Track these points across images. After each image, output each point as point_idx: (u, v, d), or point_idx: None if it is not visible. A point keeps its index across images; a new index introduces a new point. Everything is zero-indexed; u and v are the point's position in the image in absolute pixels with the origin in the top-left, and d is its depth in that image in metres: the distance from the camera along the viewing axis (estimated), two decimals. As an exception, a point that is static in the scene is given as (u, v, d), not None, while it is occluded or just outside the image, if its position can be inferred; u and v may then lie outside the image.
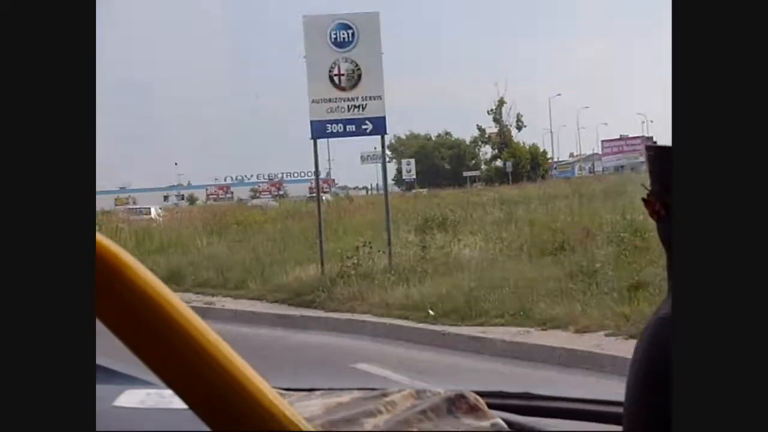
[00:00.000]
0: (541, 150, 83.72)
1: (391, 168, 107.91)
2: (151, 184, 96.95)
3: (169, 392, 0.74)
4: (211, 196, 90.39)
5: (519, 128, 79.87)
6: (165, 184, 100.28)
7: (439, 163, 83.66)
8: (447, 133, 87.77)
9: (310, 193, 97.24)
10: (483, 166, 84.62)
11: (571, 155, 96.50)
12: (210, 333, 0.70)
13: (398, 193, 60.49)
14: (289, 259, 14.33)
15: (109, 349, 1.02)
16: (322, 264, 12.59)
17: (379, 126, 12.91)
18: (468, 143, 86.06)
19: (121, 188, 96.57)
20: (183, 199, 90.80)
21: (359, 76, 12.71)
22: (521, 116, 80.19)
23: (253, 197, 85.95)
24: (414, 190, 63.55)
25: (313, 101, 12.68)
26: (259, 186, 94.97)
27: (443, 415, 1.34)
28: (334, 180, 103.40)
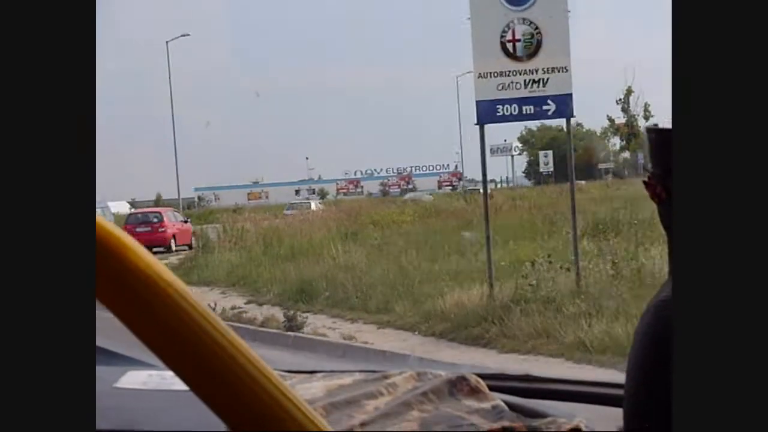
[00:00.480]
0: None
1: (520, 161, 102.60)
2: (283, 179, 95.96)
3: (170, 374, 0.74)
4: (341, 191, 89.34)
5: (646, 118, 77.58)
6: (296, 178, 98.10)
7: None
8: (578, 125, 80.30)
9: (440, 187, 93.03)
10: (611, 158, 79.68)
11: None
12: (211, 314, 0.71)
13: (528, 187, 56.92)
14: (442, 274, 12.04)
15: (111, 331, 0.99)
16: (491, 285, 9.95)
17: (563, 106, 10.01)
18: (598, 134, 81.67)
19: (253, 182, 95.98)
20: (314, 193, 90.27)
21: (539, 42, 9.86)
22: (649, 106, 77.92)
23: (383, 192, 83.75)
24: (544, 184, 59.37)
25: (479, 76, 10.00)
26: (389, 180, 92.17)
27: (444, 397, 1.34)
28: (461, 173, 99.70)
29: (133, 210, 34.39)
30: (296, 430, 0.70)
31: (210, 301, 13.21)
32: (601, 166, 71.84)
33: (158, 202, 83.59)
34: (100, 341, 1.07)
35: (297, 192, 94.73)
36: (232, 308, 12.50)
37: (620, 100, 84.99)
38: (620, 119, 77.35)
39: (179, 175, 49.41)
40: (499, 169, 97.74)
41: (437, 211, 24.50)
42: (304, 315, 11.10)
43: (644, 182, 1.09)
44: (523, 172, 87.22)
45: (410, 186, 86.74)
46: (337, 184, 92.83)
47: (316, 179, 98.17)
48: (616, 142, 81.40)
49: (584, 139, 78.02)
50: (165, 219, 27.58)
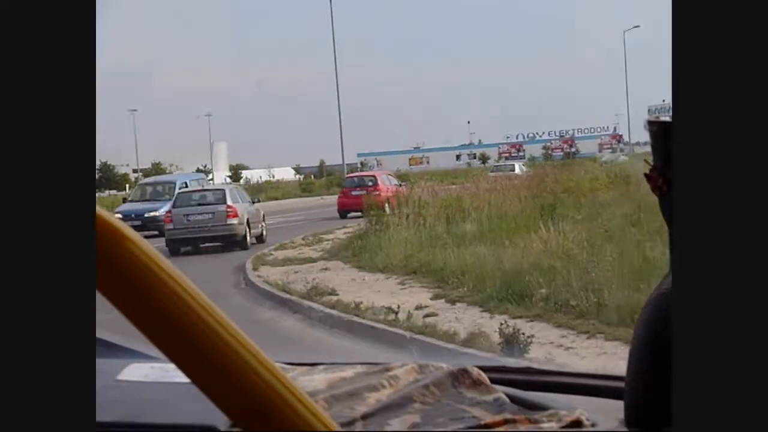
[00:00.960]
0: None
1: None
2: (444, 143, 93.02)
3: (172, 366, 0.74)
4: (503, 155, 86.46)
5: None
6: (457, 142, 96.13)
7: None
8: None
9: (599, 150, 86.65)
10: None
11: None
12: (212, 306, 0.71)
13: None
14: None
15: (113, 323, 1.00)
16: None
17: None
18: None
19: (415, 148, 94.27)
20: (475, 158, 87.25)
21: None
22: None
23: (545, 156, 79.36)
24: None
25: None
26: (552, 143, 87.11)
27: (446, 390, 1.34)
28: (622, 136, 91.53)
29: (349, 173, 33.51)
30: (298, 422, 0.71)
31: (387, 294, 10.30)
32: None
33: (321, 168, 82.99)
34: (102, 334, 1.11)
35: (458, 157, 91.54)
36: (418, 308, 9.58)
37: None
38: None
39: (343, 140, 47.45)
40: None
41: (631, 176, 20.57)
42: (516, 322, 8.08)
43: (645, 175, 1.09)
44: None
45: (573, 149, 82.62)
46: (499, 148, 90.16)
47: (476, 144, 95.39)
48: None
49: None
50: (379, 182, 27.34)
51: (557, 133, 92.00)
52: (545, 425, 1.23)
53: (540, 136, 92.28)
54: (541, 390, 1.40)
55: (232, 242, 18.51)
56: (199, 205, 19.02)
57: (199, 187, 22.33)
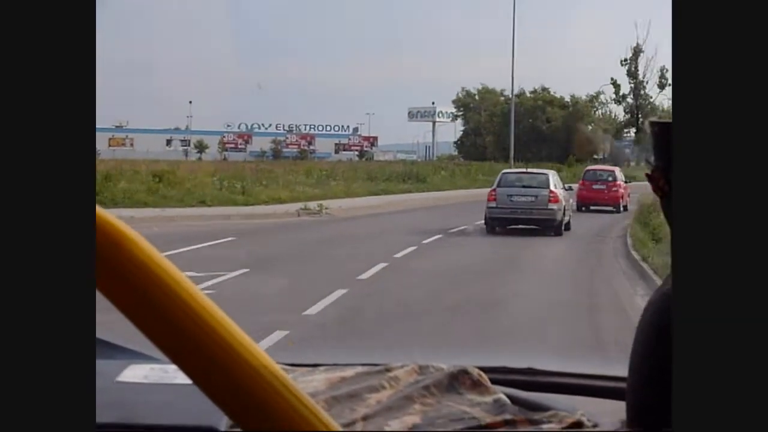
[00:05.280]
0: None
1: (448, 129, 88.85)
2: (152, 125, 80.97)
3: (172, 367, 0.73)
4: (227, 145, 77.76)
5: (662, 86, 61.17)
6: (170, 125, 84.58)
7: (540, 127, 64.32)
8: (544, 89, 68.22)
9: (337, 151, 79.26)
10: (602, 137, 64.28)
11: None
12: (213, 306, 0.70)
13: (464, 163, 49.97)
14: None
15: (113, 324, 0.98)
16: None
17: None
18: (585, 101, 66.55)
19: (117, 127, 79.53)
20: (188, 145, 77.16)
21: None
22: (666, 71, 60.53)
23: (275, 151, 73.16)
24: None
25: None
26: (286, 138, 79.96)
27: (446, 391, 1.33)
28: (377, 138, 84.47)
29: (590, 167, 32.01)
30: (299, 422, 0.70)
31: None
32: (622, 144, 61.86)
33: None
34: (101, 334, 1.07)
35: (168, 142, 79.70)
36: None
37: (625, 60, 68.68)
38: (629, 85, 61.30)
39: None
40: (418, 137, 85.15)
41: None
42: None
43: (647, 175, 1.09)
44: (455, 143, 76.64)
45: (312, 147, 76.20)
46: (223, 137, 79.53)
47: (190, 129, 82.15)
48: (615, 111, 66.92)
49: (565, 107, 65.58)
50: (618, 178, 26.60)
51: (286, 127, 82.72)
52: (545, 426, 1.23)
53: (266, 129, 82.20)
54: (542, 391, 1.40)
55: (549, 227, 18.64)
56: (523, 187, 19.19)
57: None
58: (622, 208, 24.47)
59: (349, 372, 1.43)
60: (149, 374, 1.49)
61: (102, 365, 0.94)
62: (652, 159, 1.10)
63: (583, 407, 1.26)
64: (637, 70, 61.59)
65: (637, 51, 61.28)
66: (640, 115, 61.52)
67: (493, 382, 1.36)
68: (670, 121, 0.98)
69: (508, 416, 1.26)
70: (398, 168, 40.00)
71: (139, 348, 1.58)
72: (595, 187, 26.02)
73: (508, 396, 1.32)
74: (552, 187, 19.16)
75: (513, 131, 43.15)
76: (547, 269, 14.10)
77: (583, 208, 25.42)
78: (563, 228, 18.91)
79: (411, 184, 34.91)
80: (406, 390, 1.34)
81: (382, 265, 12.80)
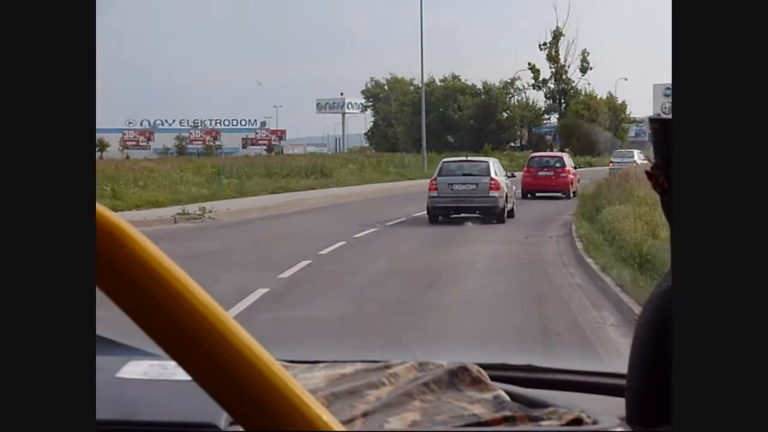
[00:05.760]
0: (620, 102, 60.72)
1: (359, 121, 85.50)
2: None
3: (172, 363, 0.76)
4: (128, 143, 74.52)
5: (584, 70, 59.95)
6: None
7: (452, 116, 61.94)
8: (455, 77, 65.28)
9: (244, 146, 77.69)
10: (520, 124, 62.27)
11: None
12: (213, 304, 0.72)
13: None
14: None
15: (112, 320, 1.02)
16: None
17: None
18: (500, 87, 63.19)
19: None
20: None
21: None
22: (587, 54, 59.48)
23: (179, 148, 70.12)
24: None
25: None
26: (190, 134, 76.59)
27: (445, 388, 1.36)
28: (285, 131, 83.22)
29: (535, 153, 32.18)
30: (299, 419, 0.72)
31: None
32: (541, 130, 59.38)
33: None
34: (100, 331, 1.06)
35: None
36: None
37: (544, 44, 66.78)
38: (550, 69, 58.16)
39: None
40: (327, 129, 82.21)
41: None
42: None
43: (647, 172, 1.10)
44: (366, 134, 74.57)
45: (218, 143, 73.02)
46: (123, 134, 76.02)
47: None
48: (534, 98, 63.59)
49: (477, 95, 62.48)
50: (567, 164, 27.15)
51: (190, 123, 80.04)
52: (545, 423, 1.26)
53: (170, 125, 79.55)
54: (542, 387, 1.42)
55: (491, 215, 19.04)
56: (464, 175, 19.61)
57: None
58: (571, 194, 24.68)
59: (349, 369, 1.45)
60: (148, 371, 1.48)
61: (101, 361, 0.93)
62: (652, 156, 1.11)
63: (582, 404, 1.29)
64: (558, 54, 59.16)
65: (557, 34, 59.23)
66: (563, 100, 59.14)
67: (493, 378, 1.38)
68: (670, 117, 1.01)
69: (507, 413, 1.28)
70: (302, 162, 36.71)
71: (138, 344, 1.56)
72: (541, 173, 26.04)
73: (508, 393, 1.34)
74: (493, 175, 19.52)
75: (424, 120, 40.06)
76: (481, 288, 10.52)
77: (529, 195, 25.65)
78: (506, 215, 19.49)
79: (315, 180, 32.14)
80: (405, 387, 1.36)
81: (259, 292, 9.86)
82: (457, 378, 1.35)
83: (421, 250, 14.55)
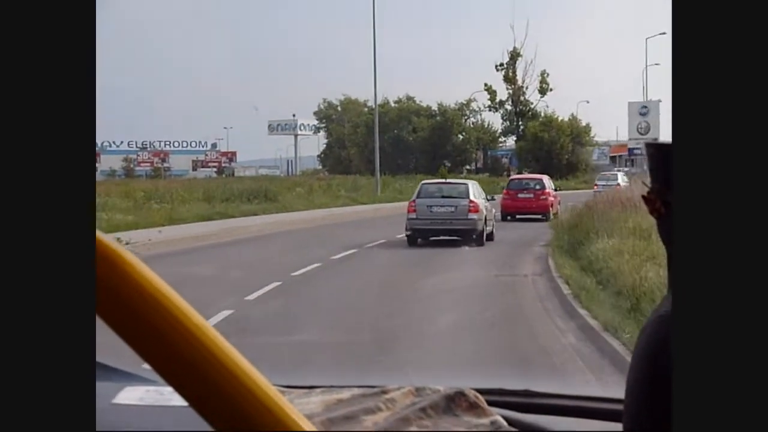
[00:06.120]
0: (584, 124, 58.11)
1: (313, 143, 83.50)
2: None
3: (168, 389, 0.77)
4: None
5: (543, 92, 57.63)
6: None
7: (406, 138, 60.43)
8: (409, 98, 64.10)
9: (194, 168, 76.37)
10: (474, 146, 60.76)
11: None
12: (211, 330, 0.73)
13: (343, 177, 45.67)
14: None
15: (104, 346, 1.02)
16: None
17: None
18: (455, 109, 61.45)
19: None
20: None
21: None
22: (547, 75, 57.36)
23: (127, 170, 68.47)
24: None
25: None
26: (138, 155, 74.95)
27: (443, 413, 1.37)
28: (235, 153, 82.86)
29: (514, 176, 32.81)
30: None
31: None
32: (498, 153, 57.65)
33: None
34: (97, 356, 1.10)
35: None
36: None
37: (501, 65, 65.30)
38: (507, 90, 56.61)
39: None
40: (280, 152, 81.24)
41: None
42: None
43: (643, 197, 1.10)
44: (319, 156, 72.66)
45: (166, 164, 72.03)
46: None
47: None
48: (494, 121, 61.93)
49: (433, 116, 60.45)
50: (546, 186, 27.83)
51: (139, 144, 79.14)
52: None
53: (117, 146, 78.38)
54: (539, 412, 1.44)
55: (470, 237, 19.00)
56: (443, 197, 19.76)
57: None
58: (551, 216, 24.66)
59: (346, 394, 1.47)
60: (145, 396, 1.50)
61: (98, 387, 0.95)
62: (648, 181, 1.12)
63: (580, 429, 1.32)
64: (516, 75, 57.40)
65: (514, 55, 57.44)
66: (520, 122, 57.24)
67: (490, 403, 1.41)
68: (666, 142, 1.05)
69: None
70: (247, 185, 33.79)
71: (134, 370, 1.59)
72: (521, 195, 26.24)
73: (505, 418, 1.37)
74: (472, 197, 19.69)
75: (377, 142, 37.85)
76: (447, 353, 7.89)
77: (509, 218, 25.99)
78: (485, 238, 19.48)
79: (258, 204, 29.51)
80: (402, 412, 1.38)
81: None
82: (454, 403, 1.39)
83: (375, 297, 11.70)
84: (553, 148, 54.18)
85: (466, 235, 19.06)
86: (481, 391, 1.39)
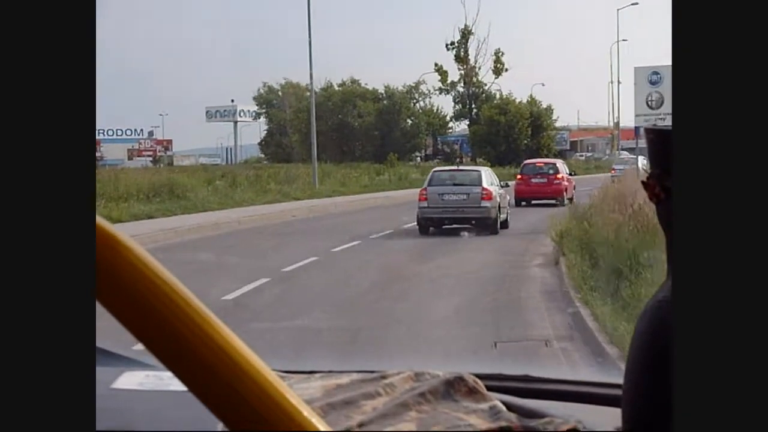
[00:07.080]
0: (544, 107, 54.73)
1: (254, 129, 77.45)
2: None
3: (167, 374, 0.77)
4: None
5: (497, 72, 54.39)
6: None
7: (351, 123, 56.11)
8: (354, 81, 60.14)
9: (130, 158, 71.25)
10: (423, 131, 57.22)
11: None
12: (210, 315, 0.74)
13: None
14: None
15: (104, 330, 1.02)
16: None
17: None
18: (403, 92, 57.67)
19: None
20: None
21: None
22: (501, 54, 54.12)
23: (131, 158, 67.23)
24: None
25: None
26: (140, 144, 74.21)
27: (441, 398, 1.39)
28: (171, 141, 79.43)
29: (528, 160, 31.84)
30: (295, 430, 0.74)
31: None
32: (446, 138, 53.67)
33: None
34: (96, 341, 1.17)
35: None
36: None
37: (452, 44, 59.35)
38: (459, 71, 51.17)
39: None
40: (221, 140, 76.87)
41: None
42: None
43: (643, 182, 1.10)
44: (260, 143, 69.04)
45: (98, 153, 69.06)
46: None
47: None
48: (438, 104, 56.49)
49: (379, 100, 56.65)
50: (560, 170, 27.74)
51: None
52: None
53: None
54: (538, 398, 1.45)
55: (483, 225, 18.81)
56: (455, 185, 19.46)
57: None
58: (566, 201, 24.23)
59: (345, 379, 1.47)
60: (144, 381, 1.49)
61: (97, 372, 0.96)
62: (648, 166, 1.11)
63: (579, 414, 1.31)
64: (468, 55, 51.94)
65: (466, 33, 52.36)
66: (473, 105, 51.61)
67: (489, 389, 1.41)
68: (665, 128, 1.03)
69: (503, 423, 1.32)
70: (154, 178, 27.39)
71: (133, 355, 1.58)
72: (534, 180, 25.77)
73: (504, 403, 1.37)
74: (485, 184, 19.36)
75: (314, 128, 32.17)
76: None
77: (523, 203, 25.65)
78: (499, 226, 19.27)
79: (159, 204, 23.46)
80: (401, 397, 1.39)
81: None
82: (453, 388, 1.39)
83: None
84: (510, 132, 49.64)
85: (478, 222, 18.71)
86: (481, 377, 1.41)
